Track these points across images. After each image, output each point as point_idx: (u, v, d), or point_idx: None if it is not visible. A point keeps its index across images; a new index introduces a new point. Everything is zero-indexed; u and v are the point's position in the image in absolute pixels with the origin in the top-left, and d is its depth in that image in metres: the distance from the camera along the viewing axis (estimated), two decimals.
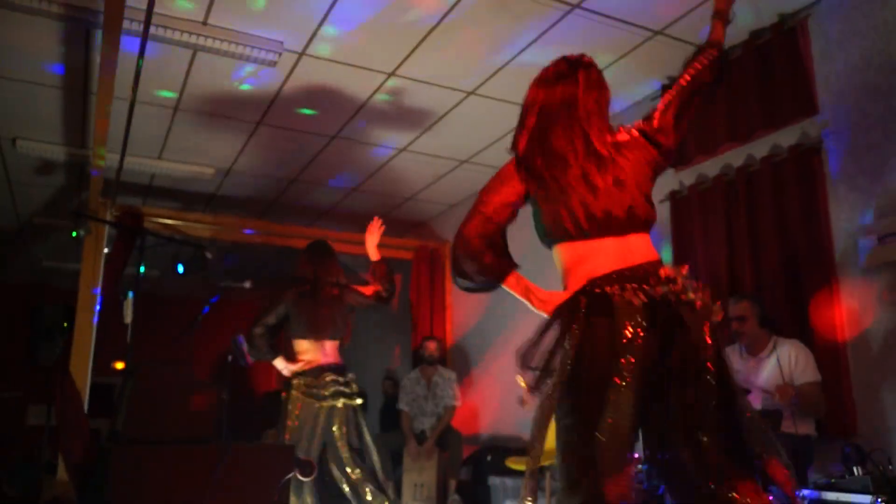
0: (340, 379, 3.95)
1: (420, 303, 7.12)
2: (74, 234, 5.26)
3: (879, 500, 2.46)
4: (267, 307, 4.03)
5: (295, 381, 3.93)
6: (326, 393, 3.88)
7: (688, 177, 4.45)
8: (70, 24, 3.90)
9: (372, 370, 8.36)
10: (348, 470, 3.76)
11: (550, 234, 2.04)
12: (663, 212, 4.54)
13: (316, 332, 3.97)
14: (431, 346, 6.14)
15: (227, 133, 5.35)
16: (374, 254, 4.20)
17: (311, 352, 3.99)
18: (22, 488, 6.12)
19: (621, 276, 1.92)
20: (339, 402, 3.90)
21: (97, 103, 3.94)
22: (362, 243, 6.96)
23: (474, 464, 5.91)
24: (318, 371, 3.93)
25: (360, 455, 3.88)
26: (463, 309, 6.87)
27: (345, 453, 3.80)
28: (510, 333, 5.76)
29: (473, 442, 6.15)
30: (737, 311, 3.56)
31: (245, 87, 4.65)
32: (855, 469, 2.71)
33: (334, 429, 3.85)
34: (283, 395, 3.97)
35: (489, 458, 5.68)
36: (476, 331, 6.60)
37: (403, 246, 7.30)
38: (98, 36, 3.92)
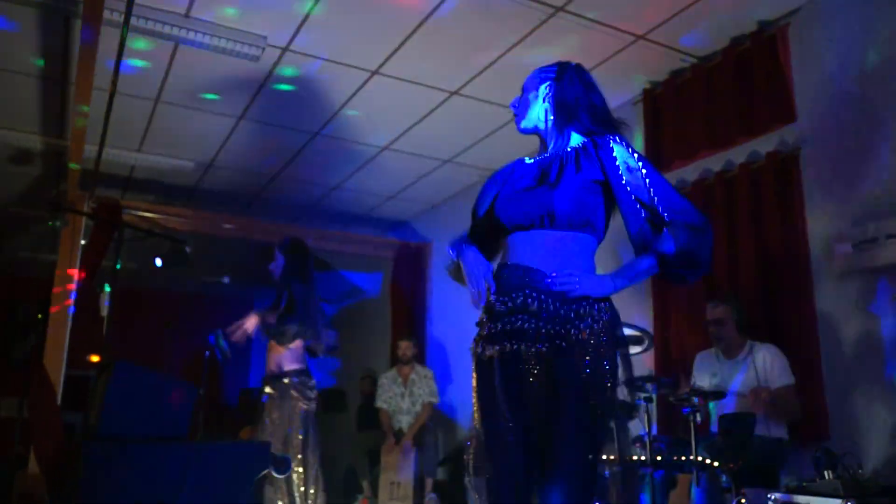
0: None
1: (400, 302, 7.12)
2: (51, 224, 5.19)
3: (849, 503, 2.49)
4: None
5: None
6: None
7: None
8: (49, 12, 3.85)
9: (350, 369, 8.34)
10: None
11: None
12: None
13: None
14: (404, 345, 6.14)
15: (209, 127, 5.30)
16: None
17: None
18: None
19: None
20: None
21: (75, 93, 3.89)
22: (343, 241, 6.97)
23: (452, 463, 5.92)
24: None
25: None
26: (443, 308, 6.87)
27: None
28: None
29: (451, 442, 6.16)
30: (715, 314, 3.60)
31: (227, 81, 4.62)
32: (826, 473, 2.74)
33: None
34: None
35: (467, 457, 5.68)
36: (456, 330, 6.61)
37: (384, 244, 7.29)
38: (77, 25, 3.87)
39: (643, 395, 3.40)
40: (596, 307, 1.94)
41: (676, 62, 4.33)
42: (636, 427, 3.69)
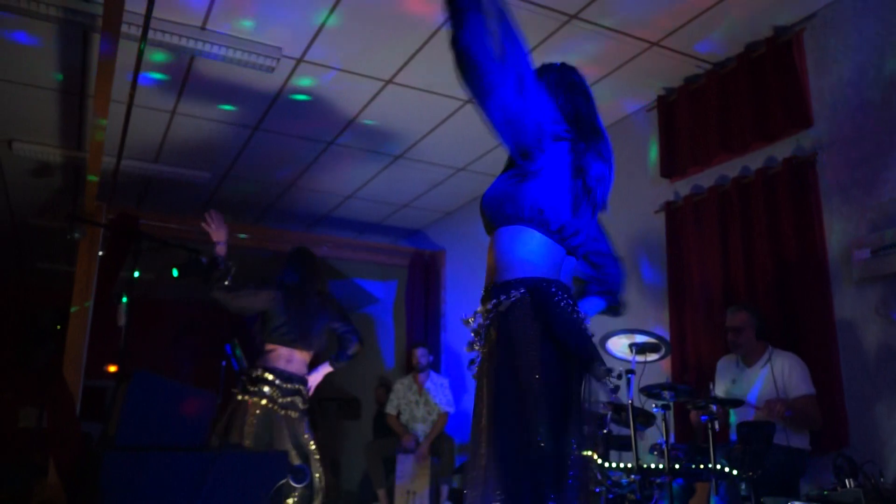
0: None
1: (414, 309, 7.13)
2: (69, 236, 5.24)
3: None
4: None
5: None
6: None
7: (683, 187, 4.47)
8: (68, 27, 3.90)
9: (365, 377, 8.35)
10: None
11: None
12: (658, 222, 4.56)
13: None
14: (418, 353, 6.15)
15: (224, 138, 5.35)
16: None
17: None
18: (12, 491, 6.08)
19: None
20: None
21: (94, 106, 3.93)
22: (357, 249, 6.99)
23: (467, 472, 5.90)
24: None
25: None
26: (457, 316, 6.86)
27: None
28: None
29: (466, 450, 6.14)
30: (734, 321, 3.58)
31: (243, 92, 4.66)
32: (847, 481, 2.71)
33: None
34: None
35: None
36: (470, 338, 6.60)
37: (399, 252, 7.31)
38: (96, 39, 3.92)
39: (660, 402, 3.38)
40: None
41: (691, 68, 4.32)
42: (654, 435, 3.67)
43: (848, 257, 3.48)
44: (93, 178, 4.67)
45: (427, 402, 6.01)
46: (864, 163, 3.50)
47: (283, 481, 3.02)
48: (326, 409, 8.19)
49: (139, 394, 2.40)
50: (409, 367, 6.36)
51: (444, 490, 5.68)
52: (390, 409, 6.11)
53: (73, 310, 5.39)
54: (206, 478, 2.33)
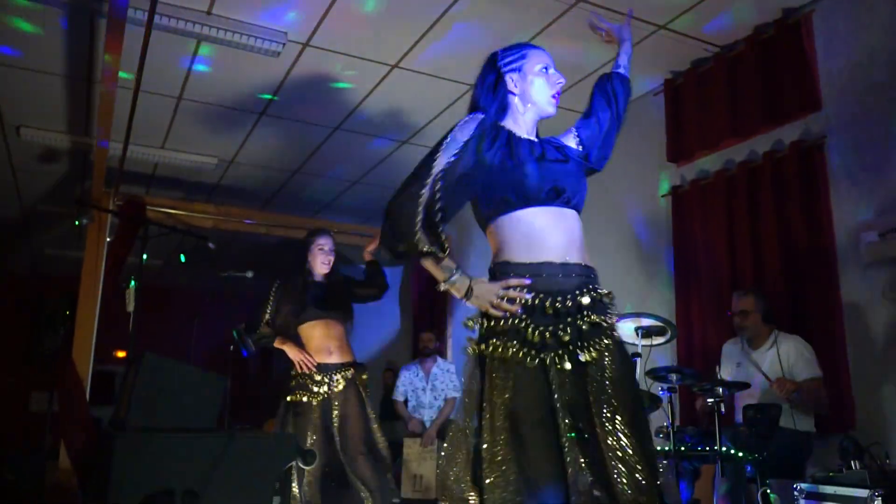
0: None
1: (421, 295, 7.14)
2: (77, 222, 5.26)
3: (876, 493, 2.48)
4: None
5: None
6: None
7: (689, 172, 4.45)
8: (75, 12, 3.90)
9: (372, 362, 8.39)
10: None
11: None
12: (664, 206, 4.55)
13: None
14: (425, 337, 6.17)
15: (231, 123, 5.35)
16: (367, 256, 4.15)
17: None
18: (24, 475, 6.15)
19: None
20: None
21: (101, 91, 3.94)
22: (364, 234, 7.00)
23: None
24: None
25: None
26: (464, 301, 6.87)
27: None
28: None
29: None
30: (740, 304, 3.58)
31: (249, 77, 4.66)
32: (853, 463, 2.72)
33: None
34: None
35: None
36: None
37: None
38: (103, 24, 3.92)
39: (667, 386, 3.40)
40: None
41: (699, 51, 4.30)
42: (660, 418, 3.68)
43: (856, 240, 3.47)
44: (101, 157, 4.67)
45: (434, 388, 6.04)
46: (873, 146, 3.48)
47: (292, 463, 3.05)
48: None
49: (149, 376, 2.42)
50: (415, 353, 6.39)
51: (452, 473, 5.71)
52: (397, 396, 6.14)
53: (81, 296, 5.42)
54: (217, 459, 2.35)
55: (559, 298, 1.89)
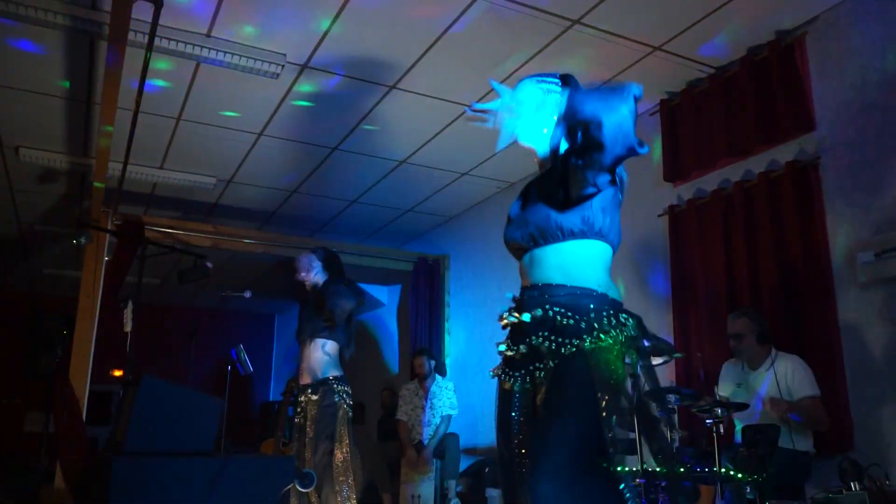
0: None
1: (418, 314, 7.14)
2: (76, 242, 5.27)
3: None
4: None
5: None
6: None
7: (686, 191, 4.48)
8: (75, 34, 3.93)
9: (370, 382, 8.36)
10: None
11: None
12: (661, 226, 4.57)
13: None
14: (418, 362, 6.14)
15: (229, 144, 5.38)
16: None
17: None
18: (19, 497, 6.10)
19: None
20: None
21: (101, 113, 3.96)
22: (362, 254, 7.01)
23: (473, 476, 5.91)
24: None
25: None
26: (461, 320, 6.88)
27: None
28: None
29: (472, 454, 6.15)
30: (734, 328, 3.58)
31: (247, 98, 4.69)
32: (852, 484, 2.72)
33: None
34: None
35: (487, 470, 5.68)
36: (475, 341, 6.61)
37: (402, 258, 7.32)
38: (102, 47, 3.95)
39: (665, 406, 3.39)
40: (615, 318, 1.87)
41: (694, 73, 4.34)
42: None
43: (852, 260, 3.48)
44: (99, 185, 4.69)
45: (432, 406, 6.03)
46: (868, 165, 3.51)
47: (290, 486, 3.04)
48: None
49: (148, 399, 2.41)
50: (412, 374, 6.38)
51: (451, 486, 5.68)
52: (401, 416, 6.11)
53: (78, 315, 5.41)
54: (215, 483, 2.34)
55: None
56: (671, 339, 4.18)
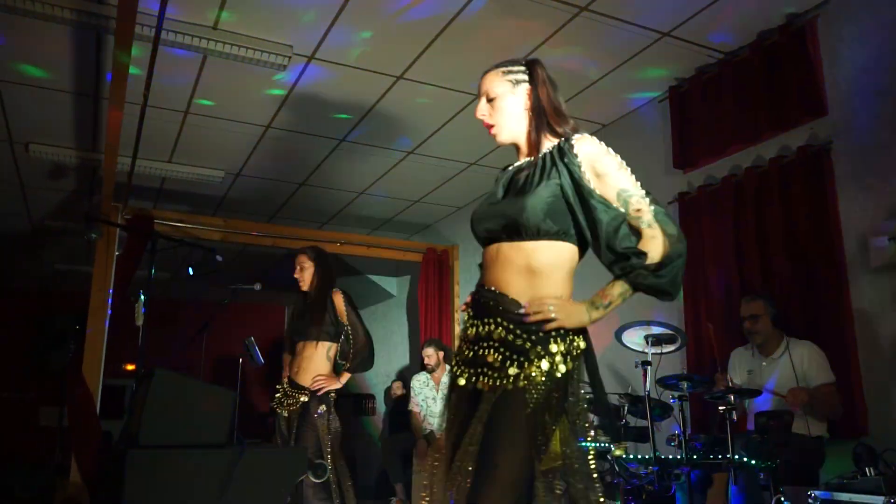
0: None
1: (428, 305, 7.14)
2: (86, 237, 5.29)
3: (892, 500, 2.45)
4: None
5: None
6: None
7: (696, 178, 4.45)
8: (82, 29, 3.93)
9: (380, 373, 8.38)
10: None
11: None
12: (672, 213, 4.54)
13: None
14: (428, 352, 6.14)
15: (237, 136, 5.38)
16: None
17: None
18: (34, 490, 6.16)
19: None
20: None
21: (109, 107, 3.97)
22: (371, 245, 7.01)
23: None
24: None
25: None
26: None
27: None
28: None
29: None
30: (750, 309, 3.57)
31: (255, 91, 4.68)
32: (867, 469, 2.70)
33: None
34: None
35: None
36: None
37: (411, 248, 7.33)
38: (110, 41, 3.95)
39: (677, 393, 3.38)
40: (569, 339, 1.85)
41: (703, 58, 4.30)
42: (671, 426, 3.67)
43: (864, 245, 3.46)
44: (108, 178, 4.70)
45: (444, 397, 6.02)
46: (880, 150, 3.47)
47: (303, 477, 3.05)
48: (341, 406, 8.23)
49: (161, 392, 2.42)
50: (422, 365, 6.39)
51: None
52: (413, 407, 6.12)
53: (90, 310, 5.44)
54: (229, 475, 2.35)
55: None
56: (682, 327, 4.16)
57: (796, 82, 3.79)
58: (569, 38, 4.06)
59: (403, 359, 8.16)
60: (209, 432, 2.48)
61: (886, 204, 3.41)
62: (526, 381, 1.79)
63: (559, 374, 1.81)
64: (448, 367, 6.11)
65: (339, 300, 4.01)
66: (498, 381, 1.83)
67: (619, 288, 1.85)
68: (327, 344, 3.99)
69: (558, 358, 1.82)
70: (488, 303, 1.92)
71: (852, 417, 3.35)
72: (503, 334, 1.86)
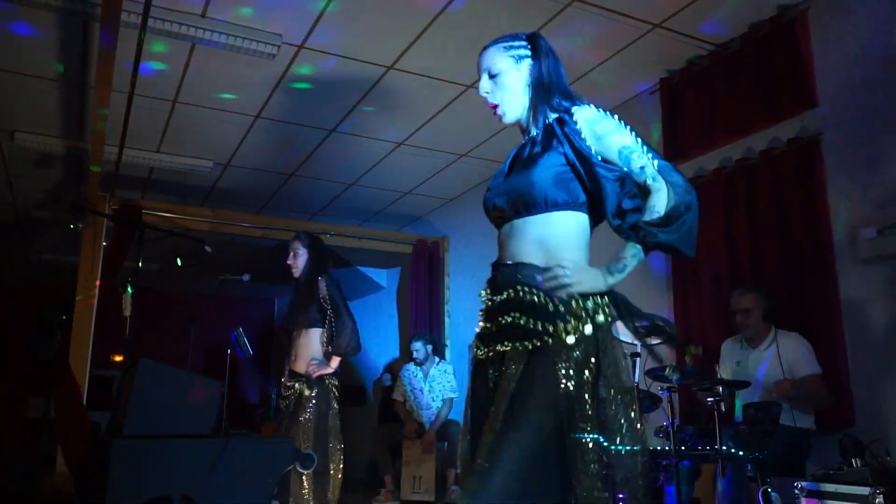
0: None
1: (418, 296, 7.13)
2: (73, 227, 5.25)
3: (878, 490, 2.47)
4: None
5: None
6: None
7: (687, 170, 4.44)
8: (68, 16, 3.88)
9: (370, 364, 8.37)
10: None
11: None
12: None
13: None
14: (417, 345, 6.13)
15: (226, 126, 5.34)
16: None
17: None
18: (21, 481, 6.13)
19: None
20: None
21: (95, 97, 3.93)
22: (361, 237, 6.99)
23: None
24: None
25: None
26: (461, 302, 6.87)
27: None
28: None
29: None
30: (742, 303, 3.57)
31: (243, 80, 4.64)
32: (853, 461, 2.71)
33: None
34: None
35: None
36: (474, 324, 6.59)
37: (402, 240, 7.31)
38: (96, 28, 3.91)
39: (666, 385, 3.39)
40: (591, 302, 1.80)
41: (694, 50, 4.29)
42: (660, 417, 3.67)
43: (854, 237, 3.46)
44: (95, 168, 4.66)
45: (431, 389, 6.04)
46: (870, 141, 3.48)
47: (291, 467, 3.04)
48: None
49: (146, 382, 2.40)
50: (411, 357, 6.39)
51: (451, 475, 5.71)
52: (397, 396, 6.15)
53: (77, 301, 5.40)
54: (214, 465, 2.34)
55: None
56: (671, 318, 4.17)
57: (787, 74, 3.79)
58: (560, 28, 4.04)
59: (393, 350, 8.15)
60: (195, 422, 2.47)
61: (875, 196, 3.41)
62: (553, 341, 1.76)
63: (588, 332, 1.77)
64: (437, 359, 6.14)
65: (321, 283, 4.01)
66: (524, 343, 1.79)
67: (632, 250, 1.79)
68: (318, 330, 4.02)
69: (584, 315, 1.78)
70: (506, 274, 1.90)
71: (840, 409, 3.37)
72: (525, 297, 1.82)
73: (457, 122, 5.26)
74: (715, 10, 3.91)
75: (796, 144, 3.73)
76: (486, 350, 1.92)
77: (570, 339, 1.76)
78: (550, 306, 1.79)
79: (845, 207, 3.54)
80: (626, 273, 1.81)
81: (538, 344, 1.78)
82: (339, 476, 3.90)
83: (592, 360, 1.77)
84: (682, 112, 4.42)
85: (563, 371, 1.73)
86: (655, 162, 1.82)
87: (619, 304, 1.87)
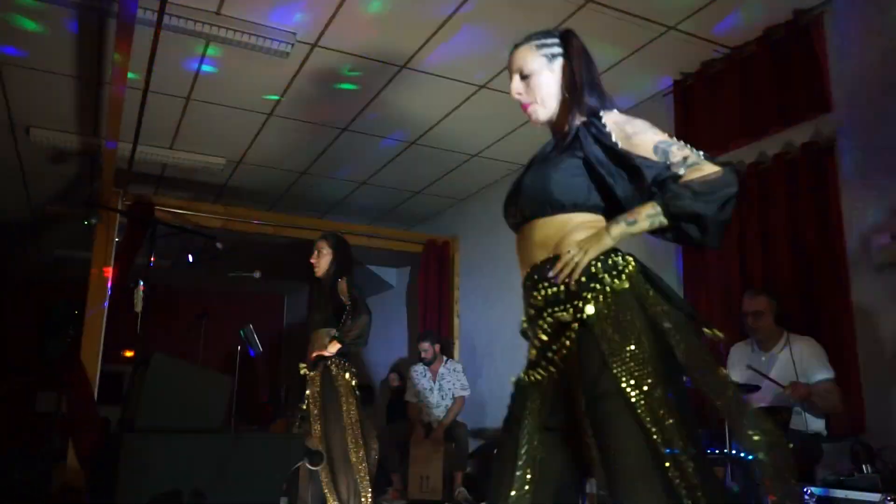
0: None
1: (427, 296, 7.13)
2: (86, 222, 5.28)
3: (889, 498, 2.45)
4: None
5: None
6: None
7: None
8: (84, 12, 3.91)
9: (378, 363, 8.38)
10: None
11: None
12: None
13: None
14: (424, 346, 6.14)
15: (239, 124, 5.36)
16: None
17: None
18: (31, 475, 6.17)
19: None
20: None
21: (110, 93, 3.95)
22: (371, 235, 7.01)
23: (481, 457, 5.92)
24: None
25: None
26: (471, 301, 6.87)
27: None
28: (518, 326, 5.75)
29: (480, 436, 6.16)
30: (753, 305, 3.56)
31: (257, 78, 4.66)
32: (864, 467, 2.70)
33: None
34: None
35: (496, 451, 5.69)
36: (484, 323, 6.61)
37: (412, 239, 7.32)
38: (112, 24, 3.93)
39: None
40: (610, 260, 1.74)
41: (709, 52, 4.28)
42: None
43: (867, 243, 3.44)
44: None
45: (441, 388, 6.04)
46: (885, 147, 3.46)
47: (299, 464, 3.05)
48: None
49: (158, 377, 2.42)
50: (420, 357, 6.39)
51: (458, 476, 5.71)
52: (410, 398, 6.14)
53: (89, 296, 5.43)
54: (224, 460, 2.35)
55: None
56: None
57: (802, 78, 3.77)
58: (574, 29, 4.02)
59: (402, 350, 8.16)
60: (205, 417, 2.48)
61: (889, 202, 3.39)
62: (590, 314, 1.70)
63: (620, 288, 1.70)
64: (445, 358, 6.14)
65: (342, 283, 4.04)
66: (568, 334, 1.76)
67: (650, 208, 1.70)
68: (333, 330, 4.07)
69: (607, 277, 1.72)
70: (533, 277, 1.85)
71: (851, 415, 3.35)
72: (555, 291, 1.78)
73: (469, 122, 5.26)
74: (729, 13, 3.89)
75: (810, 149, 3.71)
76: (535, 371, 1.86)
77: (605, 299, 1.70)
78: (575, 286, 1.74)
79: (859, 213, 3.51)
80: (635, 229, 1.73)
81: (578, 325, 1.73)
82: (363, 472, 3.86)
83: (637, 313, 1.68)
84: (696, 114, 4.41)
85: (606, 344, 1.65)
86: (697, 152, 1.77)
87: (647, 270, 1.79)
